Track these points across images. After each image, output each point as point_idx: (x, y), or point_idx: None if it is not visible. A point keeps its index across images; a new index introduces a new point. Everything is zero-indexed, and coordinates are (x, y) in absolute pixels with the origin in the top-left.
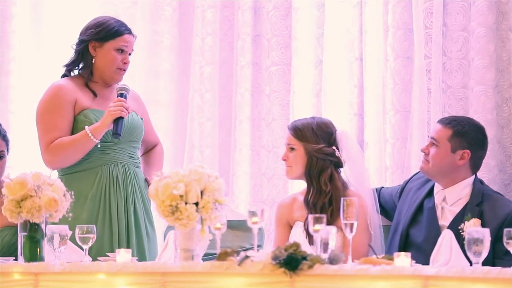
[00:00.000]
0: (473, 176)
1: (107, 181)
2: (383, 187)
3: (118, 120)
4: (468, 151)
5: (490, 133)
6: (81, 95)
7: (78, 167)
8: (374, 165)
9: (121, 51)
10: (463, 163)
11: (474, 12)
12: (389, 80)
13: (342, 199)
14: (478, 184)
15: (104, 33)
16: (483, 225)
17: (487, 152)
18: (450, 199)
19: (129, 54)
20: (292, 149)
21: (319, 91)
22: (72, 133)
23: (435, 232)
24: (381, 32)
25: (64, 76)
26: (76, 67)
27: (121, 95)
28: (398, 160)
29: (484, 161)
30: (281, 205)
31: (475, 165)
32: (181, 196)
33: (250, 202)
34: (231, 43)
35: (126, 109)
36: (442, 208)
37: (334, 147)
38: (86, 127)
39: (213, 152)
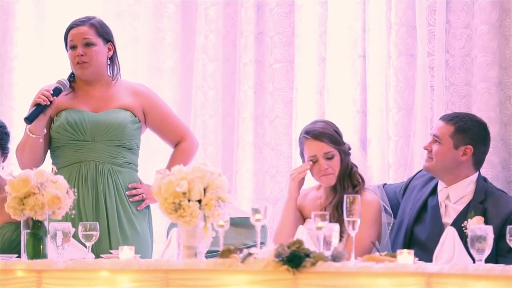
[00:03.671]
0: (477, 173)
1: (77, 179)
2: (386, 184)
3: (36, 107)
4: (470, 146)
5: (493, 130)
6: (60, 97)
7: (54, 165)
8: (377, 162)
9: (73, 47)
10: (466, 159)
11: (477, 9)
12: (392, 77)
13: (345, 196)
14: (482, 182)
15: (64, 37)
16: (486, 222)
17: (490, 149)
18: (454, 196)
19: (88, 44)
20: (331, 157)
21: (322, 88)
22: (49, 134)
23: (438, 229)
24: (384, 29)
25: None
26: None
27: (55, 88)
28: (401, 157)
29: (487, 158)
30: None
31: (478, 161)
32: (184, 194)
33: (253, 199)
34: (234, 41)
35: (47, 98)
36: (445, 206)
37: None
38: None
39: (216, 149)
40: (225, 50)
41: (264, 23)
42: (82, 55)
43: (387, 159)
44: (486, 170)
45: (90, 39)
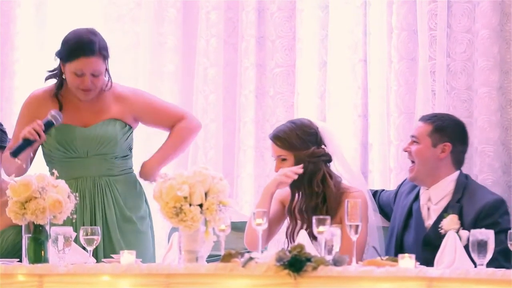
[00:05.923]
0: (457, 172)
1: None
2: (383, 190)
3: (24, 142)
4: (449, 144)
5: (494, 134)
6: (50, 107)
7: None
8: (378, 167)
9: (79, 75)
10: (444, 156)
11: (478, 14)
12: (393, 81)
13: (346, 201)
14: (462, 180)
15: (63, 54)
16: (461, 220)
17: (491, 153)
18: (435, 198)
19: (95, 75)
20: (284, 160)
21: (323, 92)
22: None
23: (422, 233)
24: (385, 33)
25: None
26: (56, 76)
27: (46, 121)
28: (402, 161)
29: (488, 162)
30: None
31: (457, 160)
32: (185, 198)
33: (254, 203)
34: (235, 45)
35: (38, 134)
36: (428, 208)
37: (323, 146)
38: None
39: (217, 153)
40: (226, 54)
41: (265, 27)
42: (87, 86)
43: (388, 163)
44: (487, 175)
45: (99, 70)
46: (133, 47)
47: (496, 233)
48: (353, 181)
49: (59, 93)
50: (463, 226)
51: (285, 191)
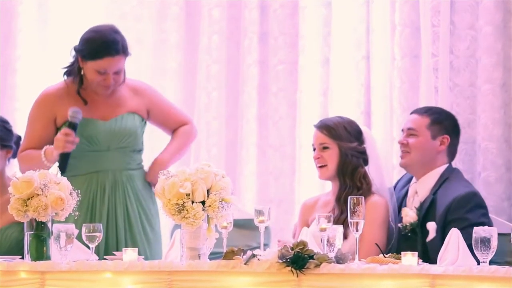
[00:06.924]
0: (446, 165)
1: (95, 189)
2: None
3: (63, 155)
4: (447, 136)
5: (497, 132)
6: (67, 104)
7: (70, 172)
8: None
9: (102, 72)
10: (443, 148)
11: (481, 11)
12: (396, 78)
13: (349, 198)
14: (447, 173)
15: (85, 52)
16: (433, 213)
17: (494, 150)
18: (420, 191)
19: (116, 73)
20: (326, 148)
21: (326, 89)
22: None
23: None
24: (388, 30)
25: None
26: (73, 73)
27: (70, 124)
28: None
29: (492, 159)
30: (304, 205)
31: (451, 152)
32: (188, 195)
33: (257, 201)
34: (238, 42)
35: (72, 142)
36: (413, 201)
37: (364, 145)
38: (44, 148)
39: (219, 151)
40: (229, 51)
41: (268, 24)
42: (109, 83)
43: (391, 161)
44: (490, 172)
45: (121, 68)
46: (136, 44)
47: (465, 228)
48: (381, 191)
49: (80, 88)
50: (434, 218)
51: (309, 207)
